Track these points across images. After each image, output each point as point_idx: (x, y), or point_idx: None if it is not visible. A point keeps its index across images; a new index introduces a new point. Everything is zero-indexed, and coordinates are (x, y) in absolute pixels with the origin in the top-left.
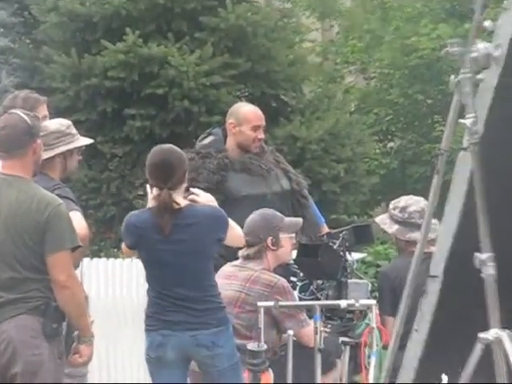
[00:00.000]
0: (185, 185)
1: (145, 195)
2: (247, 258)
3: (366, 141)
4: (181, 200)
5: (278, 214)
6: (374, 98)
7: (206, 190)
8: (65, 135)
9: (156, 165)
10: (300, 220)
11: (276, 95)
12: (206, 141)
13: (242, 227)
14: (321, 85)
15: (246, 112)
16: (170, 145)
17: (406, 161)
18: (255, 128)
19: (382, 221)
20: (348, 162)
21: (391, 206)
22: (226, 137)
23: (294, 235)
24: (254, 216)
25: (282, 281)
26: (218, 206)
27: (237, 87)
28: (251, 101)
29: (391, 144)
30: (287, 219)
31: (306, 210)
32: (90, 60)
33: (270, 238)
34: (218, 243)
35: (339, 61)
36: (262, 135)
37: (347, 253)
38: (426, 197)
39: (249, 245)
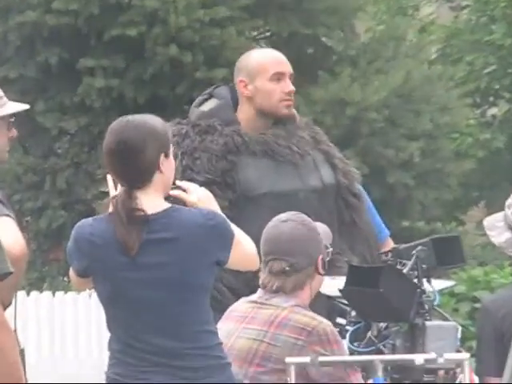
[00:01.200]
0: (168, 178)
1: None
2: (280, 289)
3: (454, 105)
4: (156, 202)
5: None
6: (467, 40)
7: (205, 184)
8: None
9: (111, 150)
10: (326, 227)
11: (313, 36)
12: (207, 106)
13: (258, 241)
14: (383, 19)
15: (258, 58)
16: (143, 115)
17: None
18: (278, 76)
19: (492, 224)
20: (427, 138)
21: (508, 202)
22: (236, 101)
23: (330, 249)
24: (292, 225)
25: (325, 324)
26: (217, 210)
27: (252, 24)
28: (275, 44)
29: (494, 110)
30: (318, 226)
31: (358, 214)
32: None
33: (321, 257)
34: (215, 267)
35: None
36: (291, 87)
37: (425, 280)
38: None
39: (293, 270)
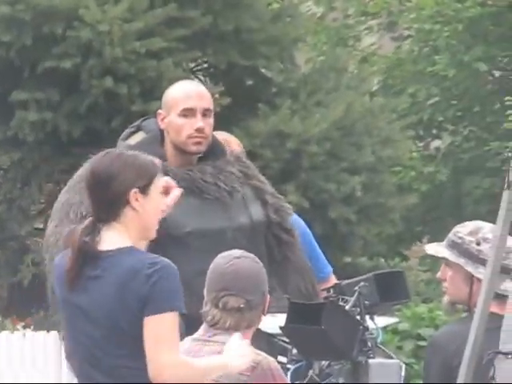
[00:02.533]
0: (147, 217)
1: (45, 229)
2: (229, 326)
3: (396, 138)
4: (117, 239)
5: None
6: (409, 70)
7: None
8: None
9: (85, 179)
10: None
11: (252, 68)
12: (134, 140)
13: (186, 285)
14: (324, 50)
15: (173, 92)
16: (136, 152)
17: (462, 169)
18: (186, 112)
19: (435, 247)
20: (369, 172)
21: (454, 230)
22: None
23: None
24: (248, 262)
25: (269, 359)
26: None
27: (189, 55)
28: (213, 76)
29: (437, 143)
30: None
31: (291, 249)
32: None
33: (268, 296)
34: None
35: (353, 11)
36: (200, 123)
37: (368, 317)
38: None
39: (248, 308)
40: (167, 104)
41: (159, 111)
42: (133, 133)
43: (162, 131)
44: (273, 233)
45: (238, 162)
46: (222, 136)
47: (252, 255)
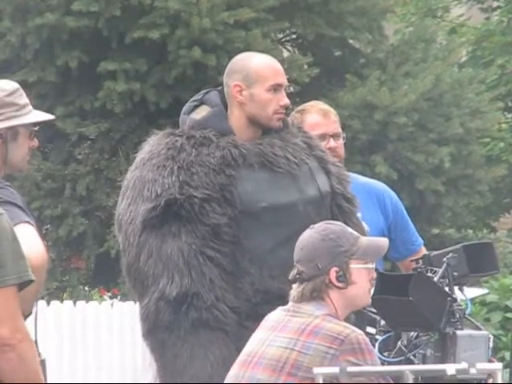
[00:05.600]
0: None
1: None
2: (301, 298)
3: (485, 110)
4: None
5: (350, 230)
6: (499, 42)
7: (204, 200)
8: (5, 105)
9: None
10: (386, 241)
11: (341, 39)
12: (198, 114)
13: (260, 259)
14: (412, 21)
15: (258, 65)
16: None
17: None
18: (275, 88)
19: None
20: (457, 143)
21: None
22: (225, 106)
23: (374, 265)
24: (310, 233)
25: (358, 332)
26: None
27: (278, 26)
28: (301, 47)
29: None
30: (365, 239)
31: (350, 218)
32: None
33: (335, 268)
34: None
35: None
36: (286, 100)
37: (456, 288)
38: None
39: (301, 279)
40: (250, 77)
41: (236, 83)
42: (196, 106)
43: (224, 103)
44: (336, 203)
45: (301, 133)
46: (320, 106)
47: (322, 227)
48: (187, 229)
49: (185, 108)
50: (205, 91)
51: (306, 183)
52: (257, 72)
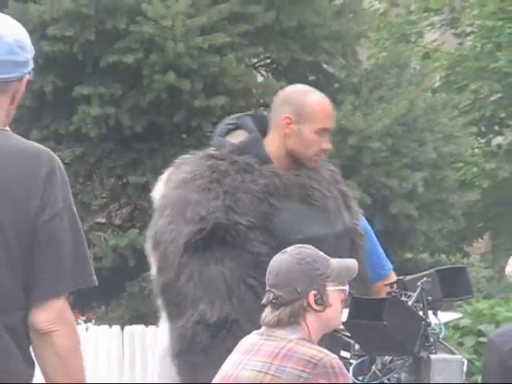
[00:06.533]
0: None
1: (109, 223)
2: (277, 322)
3: (458, 134)
4: None
5: (322, 254)
6: (473, 67)
7: (248, 228)
8: None
9: None
10: (354, 262)
11: (315, 63)
12: (235, 138)
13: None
14: (386, 46)
15: (313, 104)
16: None
17: None
18: (322, 131)
19: None
20: (430, 168)
21: None
22: (262, 134)
23: (347, 287)
24: (284, 257)
25: (331, 356)
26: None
27: (252, 51)
28: (276, 71)
29: (499, 139)
30: (336, 261)
31: (358, 253)
32: (19, 9)
33: (313, 292)
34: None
35: (415, 7)
36: (329, 145)
37: (430, 312)
38: None
39: (279, 304)
40: (303, 113)
41: (287, 114)
42: (231, 130)
43: (259, 129)
44: (351, 238)
45: (326, 167)
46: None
47: (297, 251)
48: (231, 255)
49: (219, 130)
50: (237, 115)
51: (335, 218)
52: (310, 111)
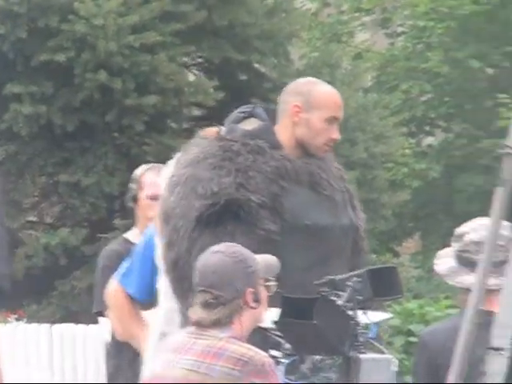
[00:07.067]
0: None
1: (40, 221)
2: (215, 322)
3: (389, 135)
4: None
5: (249, 251)
6: (403, 67)
7: (259, 205)
8: None
9: None
10: (274, 258)
11: (247, 63)
12: (248, 125)
13: (292, 277)
14: (318, 46)
15: (323, 93)
16: None
17: (454, 166)
18: (331, 120)
19: (441, 254)
20: (361, 168)
21: (457, 232)
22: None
23: (272, 283)
24: (219, 256)
25: (262, 355)
26: None
27: (184, 50)
28: (207, 70)
29: (430, 140)
30: (259, 257)
31: (361, 257)
32: None
33: (250, 289)
34: None
35: (347, 7)
36: (338, 134)
37: (360, 312)
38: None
39: (217, 303)
40: (312, 102)
41: (296, 103)
42: (244, 118)
43: (271, 120)
44: (354, 238)
45: (334, 163)
46: None
47: (230, 250)
48: (242, 230)
49: (232, 117)
50: (252, 105)
51: (342, 211)
52: (319, 100)
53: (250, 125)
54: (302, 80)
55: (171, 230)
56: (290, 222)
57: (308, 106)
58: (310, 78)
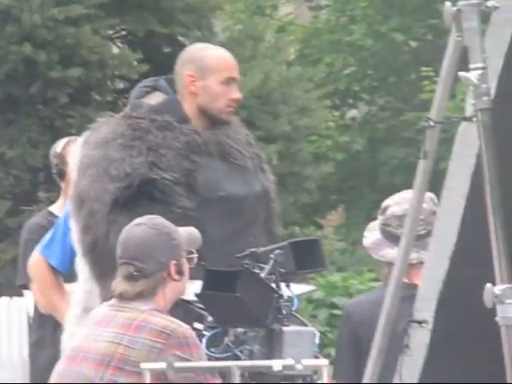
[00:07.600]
0: None
1: None
2: (138, 294)
3: (312, 107)
4: None
5: (172, 224)
6: (327, 40)
7: (173, 183)
8: None
9: None
10: (194, 229)
11: (170, 36)
12: (152, 100)
13: (213, 249)
14: (241, 19)
15: (214, 57)
16: None
17: (377, 139)
18: (228, 81)
19: (370, 226)
20: (285, 140)
21: (383, 205)
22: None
23: (194, 255)
24: (142, 229)
25: (184, 327)
26: None
27: (108, 22)
28: (131, 43)
29: (353, 113)
30: (182, 230)
31: (274, 219)
32: None
33: (173, 262)
34: None
35: None
36: (238, 94)
37: (283, 285)
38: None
39: (140, 276)
40: (204, 67)
41: (189, 73)
42: (148, 92)
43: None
44: (266, 201)
45: (242, 129)
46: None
47: (153, 222)
48: (159, 210)
49: (135, 93)
50: (154, 78)
51: (253, 177)
52: (211, 64)
53: (155, 99)
54: (191, 48)
55: (86, 213)
56: (205, 196)
57: (202, 72)
58: (199, 44)
